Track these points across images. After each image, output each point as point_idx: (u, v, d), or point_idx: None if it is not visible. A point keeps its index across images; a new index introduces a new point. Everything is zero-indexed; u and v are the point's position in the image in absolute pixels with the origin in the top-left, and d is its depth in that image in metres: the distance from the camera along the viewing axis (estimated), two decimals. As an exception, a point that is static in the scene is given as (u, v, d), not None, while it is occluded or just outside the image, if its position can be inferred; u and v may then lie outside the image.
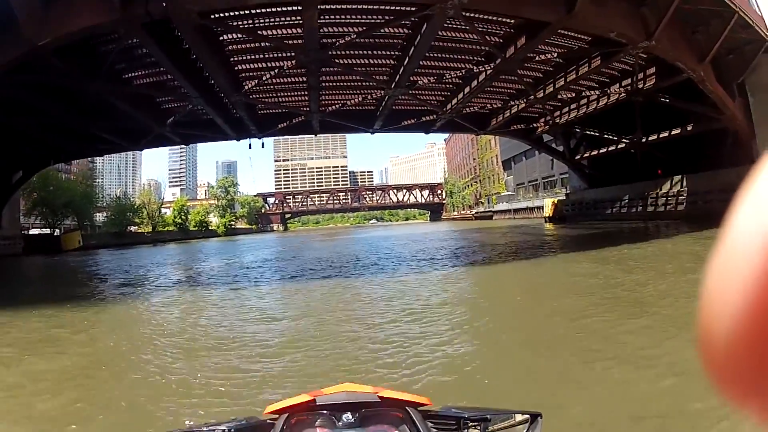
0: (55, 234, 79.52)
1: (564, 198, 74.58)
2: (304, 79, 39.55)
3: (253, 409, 5.38)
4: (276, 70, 36.12)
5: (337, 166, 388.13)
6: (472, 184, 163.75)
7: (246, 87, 38.64)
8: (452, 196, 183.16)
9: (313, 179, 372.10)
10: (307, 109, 46.13)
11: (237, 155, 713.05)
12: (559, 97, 47.23)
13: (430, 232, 66.07)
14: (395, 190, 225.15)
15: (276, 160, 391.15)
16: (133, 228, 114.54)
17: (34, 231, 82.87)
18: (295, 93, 45.57)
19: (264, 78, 37.05)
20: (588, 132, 55.84)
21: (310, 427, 2.22)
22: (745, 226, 0.42)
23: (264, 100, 46.08)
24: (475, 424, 2.23)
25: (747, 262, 0.49)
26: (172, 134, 49.81)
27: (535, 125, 57.62)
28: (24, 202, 78.32)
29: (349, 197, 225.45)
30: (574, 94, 46.12)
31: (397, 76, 37.58)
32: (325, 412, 2.27)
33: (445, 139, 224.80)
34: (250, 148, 55.22)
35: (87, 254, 59.24)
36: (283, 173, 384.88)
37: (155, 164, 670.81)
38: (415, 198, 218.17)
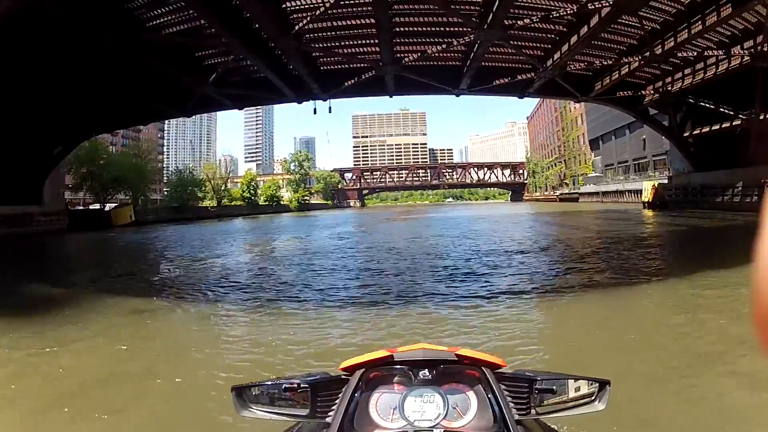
0: (105, 209, 77.32)
1: (666, 181, 67.39)
2: (372, 20, 33.02)
3: (328, 365, 6.07)
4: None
5: (417, 144, 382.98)
6: (556, 164, 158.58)
7: (297, 27, 31.99)
8: (535, 176, 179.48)
9: (392, 156, 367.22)
10: (379, 60, 39.57)
11: (315, 132, 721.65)
12: (676, 57, 40.60)
13: (519, 214, 61.99)
14: (476, 168, 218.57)
15: (354, 137, 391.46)
16: (198, 203, 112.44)
17: (93, 207, 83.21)
18: (363, 40, 39.01)
19: (319, 11, 30.43)
20: (702, 103, 48.18)
21: (386, 383, 2.20)
22: None
23: (324, 48, 39.60)
24: (546, 387, 2.14)
25: None
26: (219, 95, 45.45)
27: (642, 93, 50.48)
28: (72, 176, 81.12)
29: (428, 174, 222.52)
30: (694, 54, 39.31)
31: (491, 15, 30.24)
32: (401, 367, 2.22)
33: (527, 117, 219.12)
34: (315, 113, 49.49)
35: (139, 230, 57.47)
36: (362, 150, 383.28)
37: (230, 140, 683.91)
38: (496, 177, 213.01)
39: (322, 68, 43.49)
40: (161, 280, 17.00)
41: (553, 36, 38.12)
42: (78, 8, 27.36)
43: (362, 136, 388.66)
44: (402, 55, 39.58)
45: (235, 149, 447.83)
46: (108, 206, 79.68)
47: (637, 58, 39.42)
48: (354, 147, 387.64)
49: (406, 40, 38.88)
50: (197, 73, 40.24)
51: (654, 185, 66.70)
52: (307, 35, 35.89)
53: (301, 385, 2.09)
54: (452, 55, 40.95)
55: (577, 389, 2.10)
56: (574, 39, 35.51)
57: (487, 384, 2.08)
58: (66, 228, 59.27)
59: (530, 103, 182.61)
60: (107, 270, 20.58)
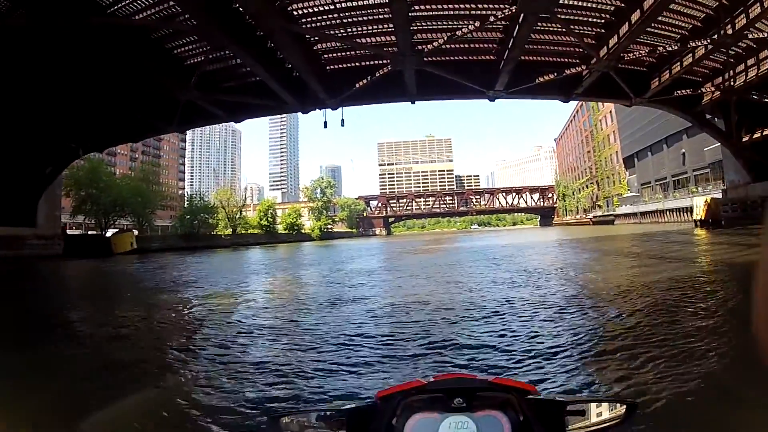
0: (106, 235, 73.89)
1: (719, 196, 61.16)
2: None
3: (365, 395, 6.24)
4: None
5: (443, 170, 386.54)
6: (588, 186, 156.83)
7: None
8: (565, 199, 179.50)
9: (419, 183, 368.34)
10: (395, 49, 33.13)
11: (341, 160, 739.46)
12: (745, 41, 35.48)
13: (559, 242, 53.38)
14: (504, 194, 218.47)
15: (380, 164, 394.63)
16: (211, 231, 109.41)
17: (111, 232, 79.59)
18: (373, 26, 33.31)
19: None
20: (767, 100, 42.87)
21: (421, 411, 2.00)
22: None
23: (326, 35, 33.67)
24: (576, 410, 2.07)
25: None
26: (209, 104, 40.49)
27: (702, 91, 44.82)
28: (72, 199, 78.87)
29: (455, 201, 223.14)
30: (765, 34, 33.18)
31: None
32: (436, 395, 2.03)
33: (555, 139, 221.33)
34: (325, 126, 43.93)
35: (139, 259, 52.45)
36: (388, 177, 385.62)
37: (256, 169, 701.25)
38: (525, 202, 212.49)
39: (328, 68, 38.14)
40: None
41: (607, 15, 32.32)
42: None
43: (388, 164, 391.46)
44: (423, 46, 33.28)
45: (261, 178, 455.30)
46: (110, 232, 77.21)
47: (703, 43, 33.94)
48: (380, 174, 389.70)
49: (428, 25, 33.02)
50: (179, 75, 35.69)
51: (707, 201, 60.61)
52: (303, 20, 30.52)
53: (337, 414, 2.01)
54: (486, 45, 35.60)
55: (606, 411, 2.01)
56: (635, 15, 29.63)
57: (519, 410, 1.94)
58: (61, 253, 56.91)
59: (557, 125, 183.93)
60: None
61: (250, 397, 8.20)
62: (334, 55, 36.71)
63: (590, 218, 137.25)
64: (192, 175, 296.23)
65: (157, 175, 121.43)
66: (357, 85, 37.35)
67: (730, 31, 32.47)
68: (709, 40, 33.43)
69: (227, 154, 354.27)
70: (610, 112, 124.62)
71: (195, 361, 10.47)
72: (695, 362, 8.17)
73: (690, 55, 36.60)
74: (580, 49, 35.25)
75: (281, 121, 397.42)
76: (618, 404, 2.00)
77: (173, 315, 16.04)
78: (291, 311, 16.20)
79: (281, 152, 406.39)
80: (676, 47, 35.51)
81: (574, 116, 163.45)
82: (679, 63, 38.15)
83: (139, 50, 32.15)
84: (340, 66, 38.13)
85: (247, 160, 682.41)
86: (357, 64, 37.32)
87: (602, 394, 6.40)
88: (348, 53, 36.52)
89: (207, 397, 7.69)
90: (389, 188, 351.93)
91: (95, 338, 12.83)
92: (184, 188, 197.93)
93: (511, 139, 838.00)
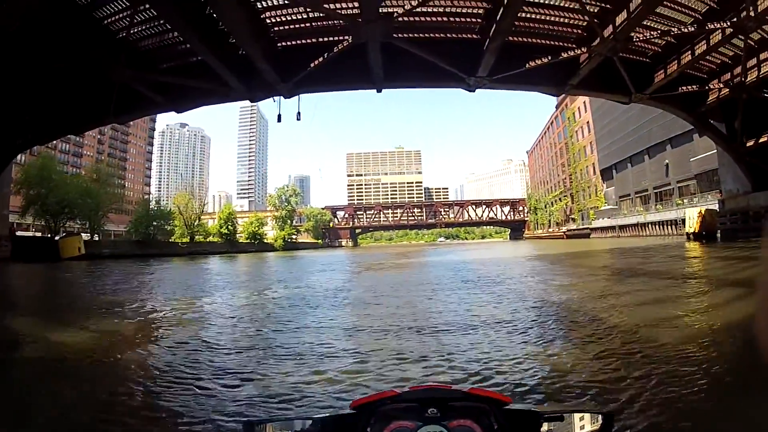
0: (55, 238, 69.33)
1: (716, 208, 56.85)
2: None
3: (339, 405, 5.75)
4: None
5: (412, 182, 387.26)
6: (561, 199, 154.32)
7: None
8: (536, 212, 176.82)
9: (387, 195, 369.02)
10: (357, 15, 27.64)
11: (310, 170, 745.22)
12: (761, 31, 31.64)
13: (541, 257, 47.05)
14: (474, 206, 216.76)
15: (348, 175, 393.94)
16: (168, 237, 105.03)
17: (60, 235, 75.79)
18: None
19: None
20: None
21: (395, 420, 2.08)
22: None
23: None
24: (552, 421, 2.13)
25: None
26: (144, 87, 35.22)
27: (709, 87, 40.54)
28: (23, 199, 75.24)
29: (424, 213, 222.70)
30: None
31: None
32: (410, 405, 2.13)
33: (527, 151, 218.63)
34: (279, 120, 38.70)
35: (85, 267, 48.59)
36: (356, 189, 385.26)
37: (224, 177, 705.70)
38: (495, 214, 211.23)
39: (279, 45, 32.83)
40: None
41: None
42: None
43: (356, 175, 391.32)
44: (392, 9, 27.88)
45: (229, 186, 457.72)
46: (61, 234, 72.96)
47: (721, 26, 29.74)
48: (348, 185, 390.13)
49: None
50: (110, 50, 30.68)
51: (701, 212, 56.80)
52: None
53: (312, 423, 2.04)
54: (469, 20, 30.43)
55: (583, 424, 2.07)
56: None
57: (495, 420, 2.03)
58: (9, 256, 54.18)
59: (528, 139, 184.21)
60: None
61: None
62: (286, 27, 31.23)
63: (564, 232, 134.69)
64: (159, 180, 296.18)
65: (120, 177, 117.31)
66: (312, 65, 31.81)
67: (752, 13, 28.54)
68: (728, 23, 29.26)
69: (195, 160, 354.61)
70: (587, 123, 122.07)
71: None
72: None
73: (704, 42, 32.42)
74: (580, 30, 30.94)
75: (250, 129, 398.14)
76: (595, 415, 1.99)
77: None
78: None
79: (249, 160, 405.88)
80: (693, 29, 30.93)
81: (548, 128, 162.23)
82: (690, 51, 33.79)
83: (66, 20, 28.00)
84: (294, 43, 32.88)
85: (216, 168, 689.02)
86: (313, 40, 32.07)
87: (579, 404, 5.54)
88: (302, 25, 31.07)
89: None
90: (357, 199, 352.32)
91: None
92: (150, 192, 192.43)
93: (481, 152, 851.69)
